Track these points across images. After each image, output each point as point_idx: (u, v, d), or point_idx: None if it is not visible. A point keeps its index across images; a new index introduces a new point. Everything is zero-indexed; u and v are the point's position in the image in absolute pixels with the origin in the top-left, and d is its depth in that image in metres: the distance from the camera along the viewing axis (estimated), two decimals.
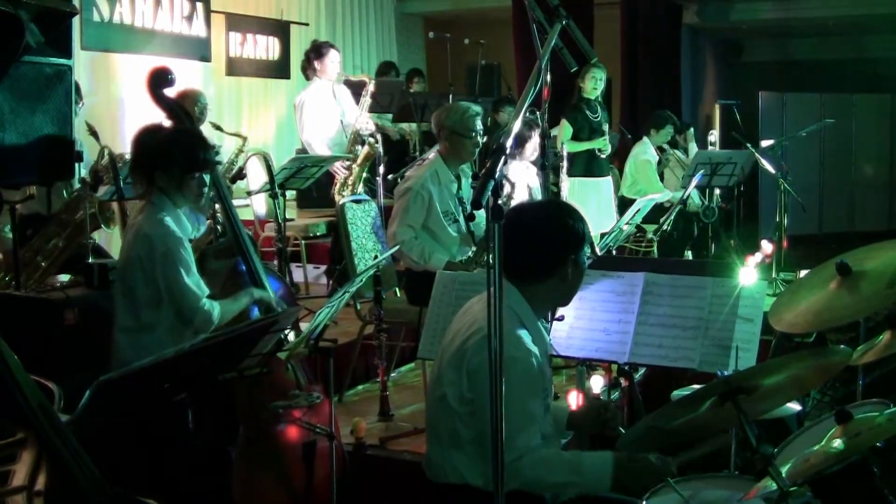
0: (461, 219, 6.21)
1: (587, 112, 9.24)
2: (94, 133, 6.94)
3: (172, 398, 4.05)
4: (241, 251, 4.80)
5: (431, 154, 6.38)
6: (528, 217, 3.57)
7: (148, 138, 4.62)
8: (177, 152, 4.50)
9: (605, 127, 9.34)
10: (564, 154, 8.47)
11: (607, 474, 3.33)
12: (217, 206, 5.18)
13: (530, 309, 3.51)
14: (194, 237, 4.73)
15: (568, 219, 3.55)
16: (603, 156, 9.32)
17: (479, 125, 6.21)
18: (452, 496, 3.49)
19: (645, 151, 10.67)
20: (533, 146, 7.66)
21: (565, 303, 3.78)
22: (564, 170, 8.42)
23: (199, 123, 7.52)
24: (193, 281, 4.42)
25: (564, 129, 9.26)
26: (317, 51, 8.92)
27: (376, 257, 5.98)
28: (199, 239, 5.34)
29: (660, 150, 10.85)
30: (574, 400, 4.59)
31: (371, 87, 8.89)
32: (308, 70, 9.23)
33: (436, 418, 3.57)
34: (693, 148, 11.57)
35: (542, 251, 3.51)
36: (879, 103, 16.31)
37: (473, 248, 6.09)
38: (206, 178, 4.58)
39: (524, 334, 3.40)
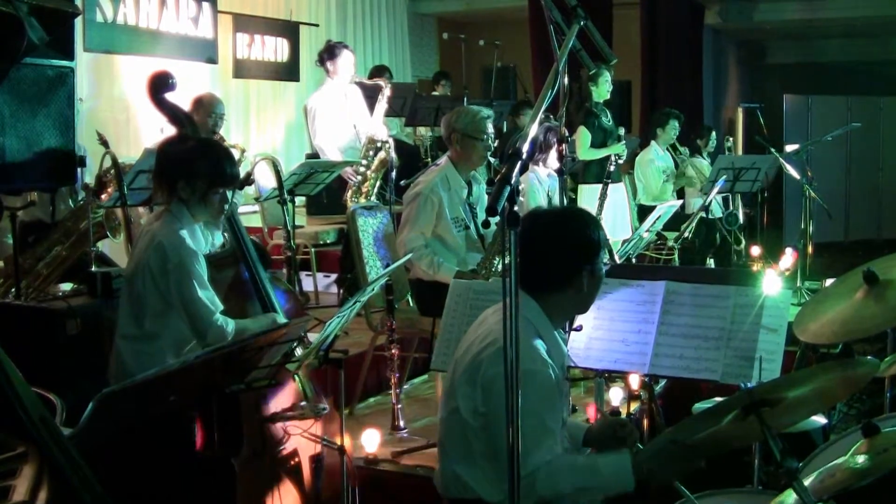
0: (472, 225, 6.14)
1: (602, 117, 9.13)
2: (104, 142, 6.84)
3: (177, 411, 4.01)
4: (244, 260, 4.71)
5: (442, 160, 6.28)
6: (542, 226, 3.48)
7: (175, 148, 4.55)
8: (203, 165, 4.44)
9: (622, 131, 9.23)
10: (611, 167, 8.38)
11: (627, 470, 3.25)
12: None
13: (547, 319, 3.45)
14: (208, 251, 4.63)
15: (583, 227, 3.48)
16: (621, 161, 9.19)
17: (490, 128, 6.11)
18: None
19: (652, 156, 10.59)
20: (556, 153, 7.55)
21: (583, 311, 3.76)
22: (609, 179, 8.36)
23: (209, 136, 7.37)
24: (207, 296, 4.36)
25: (583, 137, 9.14)
26: (330, 51, 8.80)
27: (388, 265, 5.90)
28: None
29: (672, 148, 10.74)
30: (593, 412, 4.50)
31: (387, 91, 8.79)
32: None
33: (448, 432, 3.51)
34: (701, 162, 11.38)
35: (557, 261, 3.44)
36: None
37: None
38: (229, 194, 4.51)
39: (541, 346, 3.34)
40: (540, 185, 7.79)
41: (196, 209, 4.45)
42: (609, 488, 3.29)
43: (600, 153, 9.05)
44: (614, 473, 3.26)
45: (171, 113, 4.73)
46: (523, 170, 2.72)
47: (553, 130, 7.46)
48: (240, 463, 4.40)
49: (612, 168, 8.49)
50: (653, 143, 10.70)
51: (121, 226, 6.28)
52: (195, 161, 4.44)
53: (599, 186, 8.88)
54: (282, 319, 4.65)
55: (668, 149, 10.69)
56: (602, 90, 9.08)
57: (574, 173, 9.64)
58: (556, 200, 7.42)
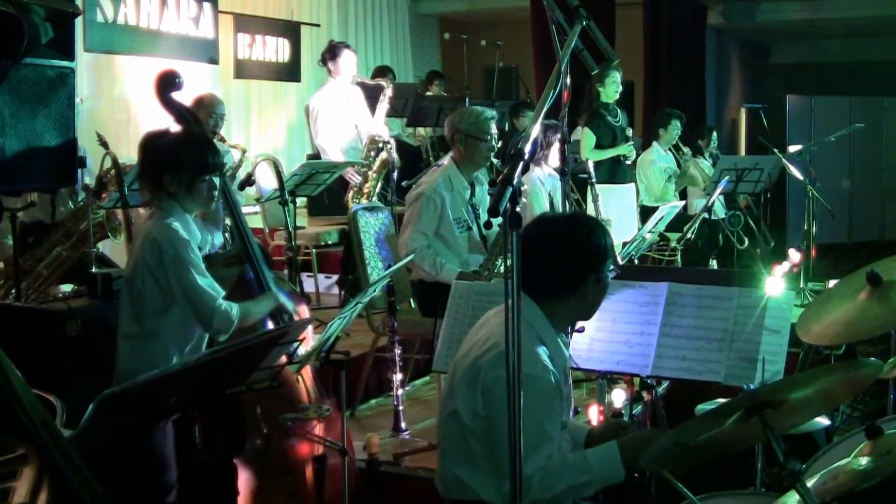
0: (474, 226, 6.11)
1: (608, 118, 9.07)
2: (104, 143, 6.84)
3: (178, 412, 4.00)
4: (249, 259, 4.70)
5: (445, 160, 6.25)
6: (548, 232, 3.46)
7: (155, 142, 4.51)
8: (186, 155, 4.40)
9: (629, 132, 9.17)
10: (591, 168, 8.27)
11: (617, 462, 3.29)
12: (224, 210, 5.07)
13: (549, 325, 3.43)
14: (207, 252, 4.60)
15: (589, 234, 3.46)
16: (628, 162, 9.16)
17: (493, 129, 6.09)
18: None
19: (655, 157, 10.54)
20: (556, 152, 7.52)
21: (586, 318, 3.71)
22: (593, 180, 8.23)
23: (210, 135, 7.36)
24: (207, 283, 4.33)
25: (587, 138, 9.09)
26: (331, 51, 8.76)
27: (390, 266, 5.88)
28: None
29: (675, 148, 10.69)
30: (594, 414, 4.47)
31: (389, 92, 8.76)
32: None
33: (447, 434, 3.50)
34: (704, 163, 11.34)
35: (561, 269, 3.42)
36: None
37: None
38: (216, 180, 4.48)
39: (542, 351, 3.32)
40: (542, 185, 7.75)
41: (185, 201, 4.41)
42: (600, 481, 3.32)
43: (604, 154, 9.00)
44: (603, 465, 3.29)
45: (178, 112, 4.71)
46: (524, 170, 2.69)
47: (552, 129, 7.43)
48: (242, 465, 4.40)
49: (590, 166, 8.39)
50: (654, 143, 10.65)
51: (121, 226, 6.26)
52: (177, 152, 4.40)
53: (610, 186, 8.88)
54: (282, 299, 4.65)
55: (670, 149, 10.65)
56: (609, 91, 8.98)
57: (577, 173, 9.61)
58: (557, 200, 7.41)
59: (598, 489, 3.38)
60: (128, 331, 4.40)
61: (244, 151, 8.00)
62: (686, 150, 10.83)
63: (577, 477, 3.26)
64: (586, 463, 3.29)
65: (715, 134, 12.03)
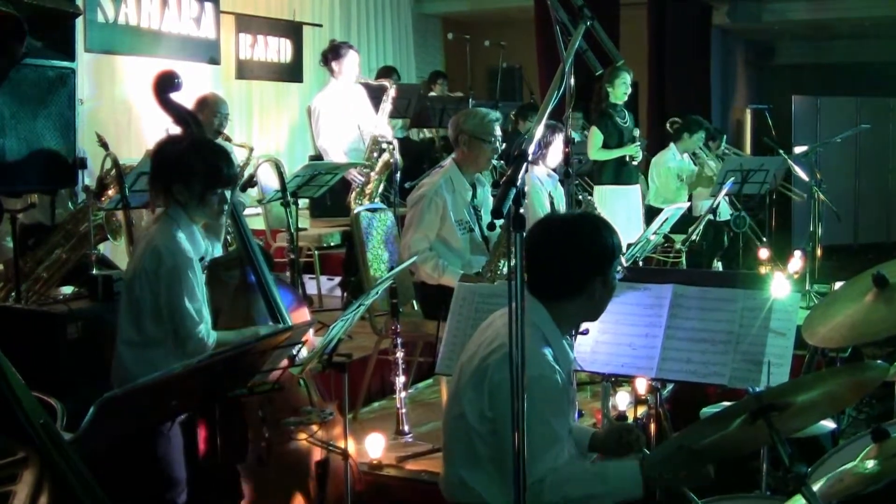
0: (476, 228, 6.10)
1: (616, 118, 9.06)
2: (104, 144, 6.81)
3: (180, 415, 3.98)
4: (250, 262, 4.66)
5: (446, 161, 6.23)
6: (554, 233, 3.45)
7: (169, 149, 4.46)
8: (199, 166, 4.32)
9: (637, 132, 9.16)
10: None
11: (637, 476, 3.23)
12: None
13: (556, 327, 3.42)
14: (206, 263, 4.58)
15: (596, 234, 3.45)
16: (634, 163, 9.15)
17: (498, 130, 6.06)
18: None
19: (670, 159, 10.49)
20: (556, 151, 7.52)
21: (593, 319, 3.68)
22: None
23: (214, 136, 7.31)
24: (195, 307, 4.28)
25: (595, 137, 9.10)
26: (334, 51, 8.72)
27: (392, 268, 5.86)
28: None
29: (694, 155, 10.65)
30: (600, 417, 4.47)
31: (392, 92, 8.73)
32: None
33: (453, 437, 3.48)
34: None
35: (568, 269, 3.40)
36: None
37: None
38: (228, 194, 4.42)
39: (548, 353, 3.31)
40: (542, 185, 7.72)
41: (194, 211, 4.36)
42: (618, 495, 3.27)
43: (612, 154, 9.01)
44: (623, 480, 3.24)
45: (177, 113, 4.66)
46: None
47: (551, 128, 7.43)
48: (244, 469, 4.39)
49: (571, 169, 8.35)
50: (672, 145, 10.60)
51: (121, 228, 6.25)
52: (190, 162, 4.33)
53: (615, 188, 8.87)
54: (266, 332, 4.57)
55: (690, 155, 10.60)
56: (619, 92, 9.00)
57: (583, 174, 9.60)
58: (557, 200, 7.40)
59: (615, 502, 3.33)
60: (127, 337, 4.36)
61: (251, 150, 7.95)
62: (702, 150, 10.78)
63: (595, 487, 3.24)
64: (606, 475, 3.27)
65: (724, 136, 12.00)
